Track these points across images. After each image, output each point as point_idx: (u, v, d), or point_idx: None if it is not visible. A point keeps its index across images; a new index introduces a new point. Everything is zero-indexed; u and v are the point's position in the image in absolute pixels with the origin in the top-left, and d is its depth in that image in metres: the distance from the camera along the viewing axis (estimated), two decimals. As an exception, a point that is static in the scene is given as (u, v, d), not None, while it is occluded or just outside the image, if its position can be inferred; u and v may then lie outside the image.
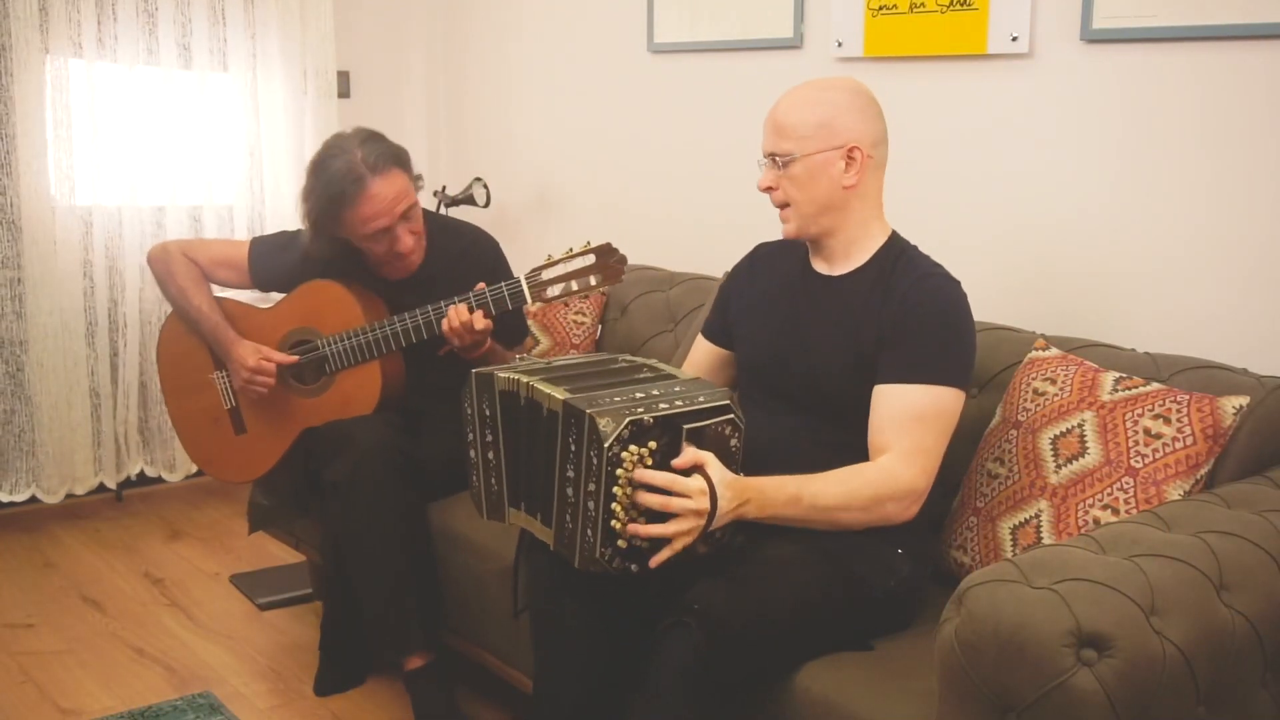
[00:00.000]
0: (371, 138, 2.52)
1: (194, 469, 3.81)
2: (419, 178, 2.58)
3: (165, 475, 3.84)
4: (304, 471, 2.63)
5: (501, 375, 1.95)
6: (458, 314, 2.42)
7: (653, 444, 1.75)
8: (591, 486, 1.75)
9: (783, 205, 2.00)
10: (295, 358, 2.62)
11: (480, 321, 2.42)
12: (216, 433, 2.79)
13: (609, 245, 2.34)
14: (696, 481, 1.74)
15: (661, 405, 1.77)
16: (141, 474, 3.82)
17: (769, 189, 2.01)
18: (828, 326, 2.00)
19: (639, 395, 1.81)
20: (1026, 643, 1.37)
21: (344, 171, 2.45)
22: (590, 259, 2.34)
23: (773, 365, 2.05)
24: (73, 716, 2.57)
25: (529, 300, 2.39)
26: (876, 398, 1.90)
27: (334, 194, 2.46)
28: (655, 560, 1.77)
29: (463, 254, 2.67)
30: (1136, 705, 1.37)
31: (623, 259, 2.34)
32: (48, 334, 3.48)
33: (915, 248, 2.04)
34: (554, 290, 2.36)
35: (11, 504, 3.61)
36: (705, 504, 1.74)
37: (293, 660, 2.84)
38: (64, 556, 3.47)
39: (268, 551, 3.49)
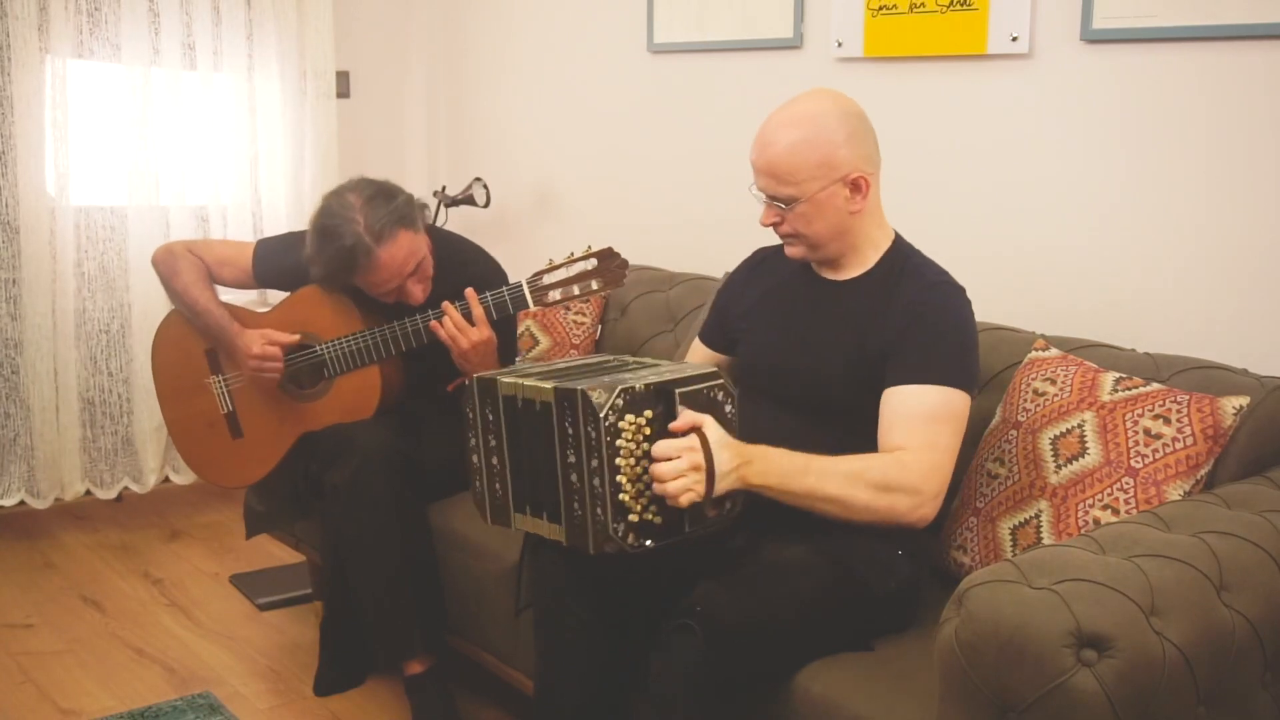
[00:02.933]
0: (376, 197, 2.45)
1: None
2: (424, 208, 2.56)
3: (176, 478, 3.83)
4: (305, 475, 2.63)
5: (505, 380, 1.93)
6: (452, 316, 2.41)
7: (649, 413, 1.76)
8: (595, 463, 1.75)
9: (788, 235, 2.00)
10: (297, 337, 2.61)
11: (485, 328, 2.42)
12: (212, 437, 2.77)
13: (610, 250, 2.33)
14: (689, 439, 1.74)
15: (651, 378, 1.81)
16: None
17: (774, 224, 1.99)
18: (830, 330, 1.99)
19: (627, 375, 1.84)
20: (1026, 643, 1.37)
21: (350, 245, 2.41)
22: (592, 263, 2.33)
23: (774, 367, 2.05)
24: (73, 716, 2.57)
25: (530, 304, 2.39)
26: (886, 400, 1.90)
27: (340, 265, 2.45)
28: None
29: (468, 280, 2.65)
30: (1136, 705, 1.37)
31: (624, 263, 2.33)
32: (43, 336, 3.47)
33: (919, 253, 2.04)
34: (555, 294, 2.35)
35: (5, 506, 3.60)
36: (699, 459, 1.72)
37: (292, 660, 2.84)
38: (64, 557, 3.47)
39: (268, 551, 3.49)
